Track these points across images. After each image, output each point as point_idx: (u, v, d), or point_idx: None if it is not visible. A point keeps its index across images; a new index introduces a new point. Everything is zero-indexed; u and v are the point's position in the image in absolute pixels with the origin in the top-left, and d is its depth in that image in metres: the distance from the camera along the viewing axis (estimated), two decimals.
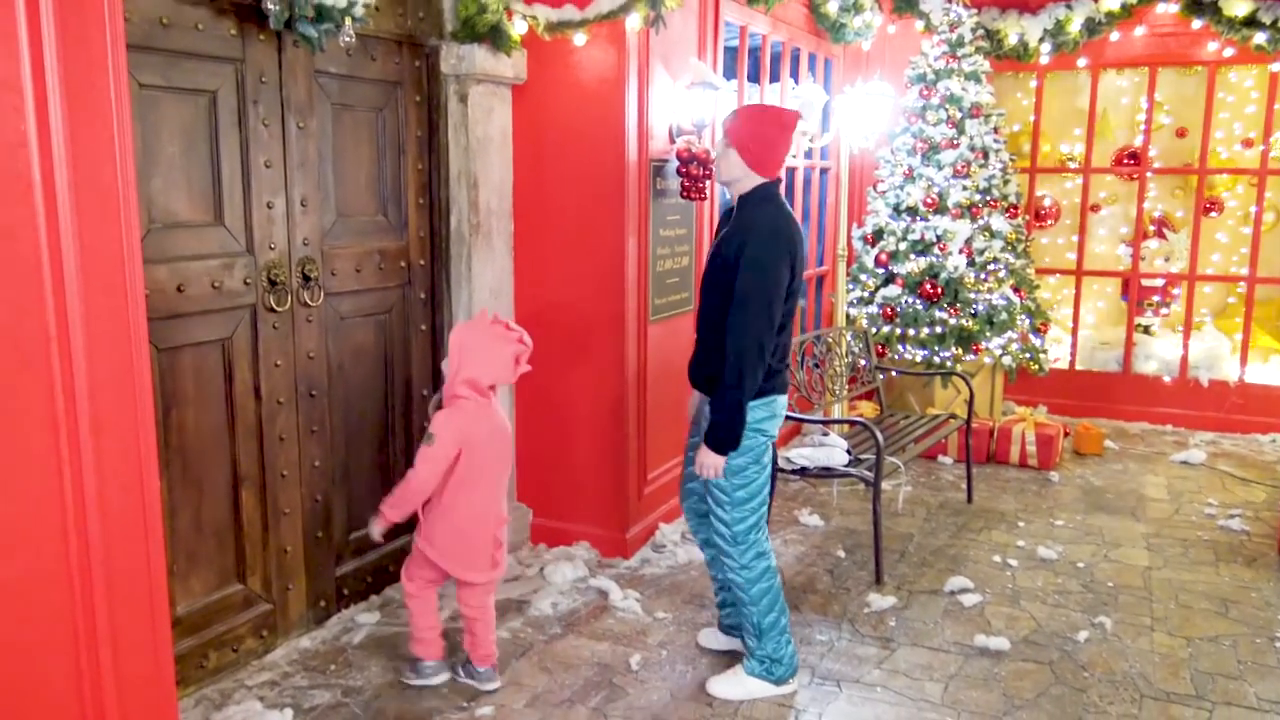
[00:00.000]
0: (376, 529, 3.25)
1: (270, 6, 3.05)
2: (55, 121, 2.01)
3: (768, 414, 3.22)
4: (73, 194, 2.04)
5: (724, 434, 3.10)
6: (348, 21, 3.26)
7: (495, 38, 3.99)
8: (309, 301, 3.57)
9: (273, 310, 3.43)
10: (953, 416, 5.42)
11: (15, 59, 1.93)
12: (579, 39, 4.13)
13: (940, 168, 6.25)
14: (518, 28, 4.04)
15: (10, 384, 1.98)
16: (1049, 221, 7.58)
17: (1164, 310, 7.41)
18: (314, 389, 3.64)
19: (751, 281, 3.03)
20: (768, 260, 3.04)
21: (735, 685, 3.36)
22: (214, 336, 3.26)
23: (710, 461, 3.15)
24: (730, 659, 3.55)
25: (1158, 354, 7.23)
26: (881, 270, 6.35)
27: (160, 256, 3.04)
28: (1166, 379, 7.04)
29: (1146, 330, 7.45)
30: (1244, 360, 6.87)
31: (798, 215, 6.26)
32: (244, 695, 3.28)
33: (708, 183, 4.57)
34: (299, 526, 3.65)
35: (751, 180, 3.18)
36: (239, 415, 3.37)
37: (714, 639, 3.70)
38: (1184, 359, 7.00)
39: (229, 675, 3.39)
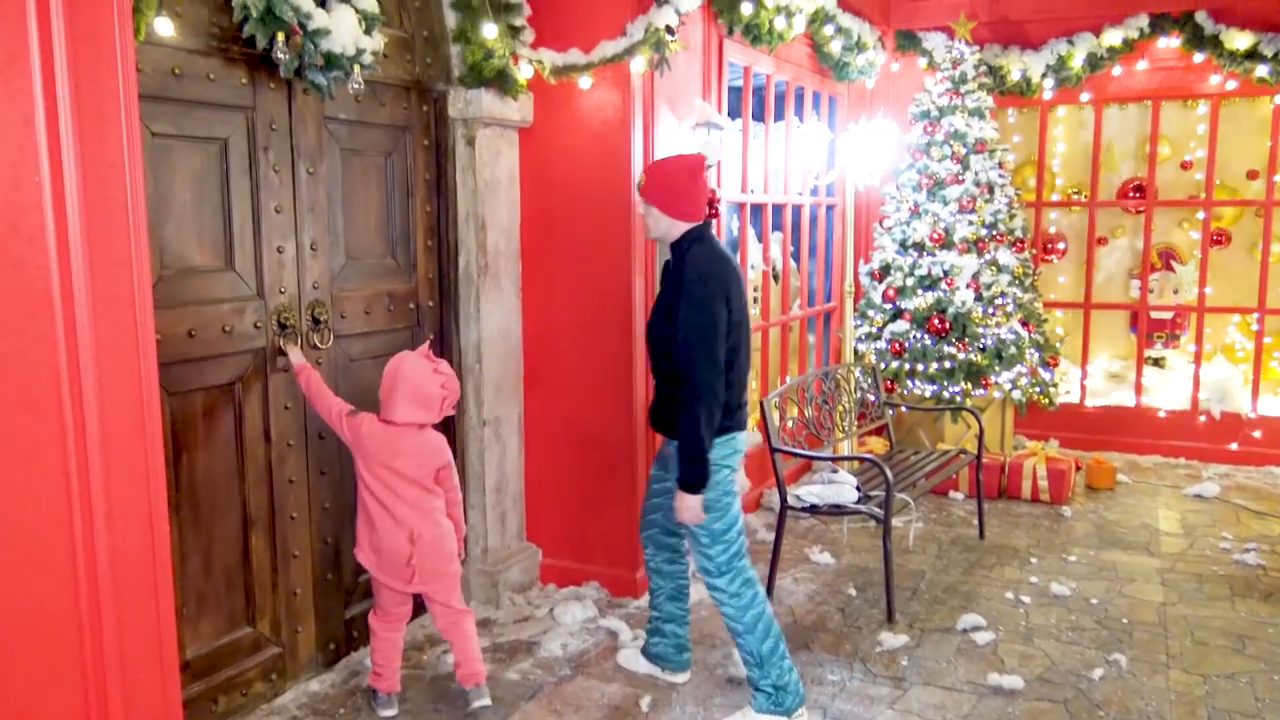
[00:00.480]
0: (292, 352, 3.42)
1: (280, 55, 3.11)
2: (69, 171, 2.04)
3: (729, 450, 3.32)
4: (85, 241, 2.08)
5: (694, 477, 3.19)
6: (356, 69, 3.32)
7: (502, 82, 4.04)
8: (319, 344, 3.59)
9: (283, 353, 3.45)
10: (963, 452, 5.40)
11: (30, 109, 1.97)
12: (584, 82, 4.18)
13: (946, 203, 6.28)
14: (524, 72, 4.09)
15: (22, 428, 2.00)
16: (1060, 249, 7.58)
17: (1174, 342, 7.40)
18: (323, 431, 3.65)
19: (690, 326, 3.13)
20: (701, 302, 3.14)
21: None
22: (224, 380, 3.29)
23: (689, 505, 3.23)
24: (653, 685, 3.61)
25: (1169, 386, 7.21)
26: (889, 306, 6.36)
27: (172, 301, 3.07)
28: (1167, 411, 7.02)
29: (1157, 363, 7.43)
30: (1255, 392, 6.84)
31: (804, 251, 6.31)
32: None
33: (713, 221, 4.60)
34: (308, 569, 3.65)
35: (679, 228, 3.30)
36: (249, 458, 3.39)
37: (635, 661, 3.77)
38: (1195, 391, 6.97)
39: (238, 719, 3.38)
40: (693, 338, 3.11)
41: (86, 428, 2.11)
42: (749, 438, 3.41)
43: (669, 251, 3.37)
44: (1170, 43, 6.54)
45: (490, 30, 3.90)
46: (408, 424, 3.27)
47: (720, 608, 3.37)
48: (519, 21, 4.06)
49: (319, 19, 3.15)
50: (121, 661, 2.22)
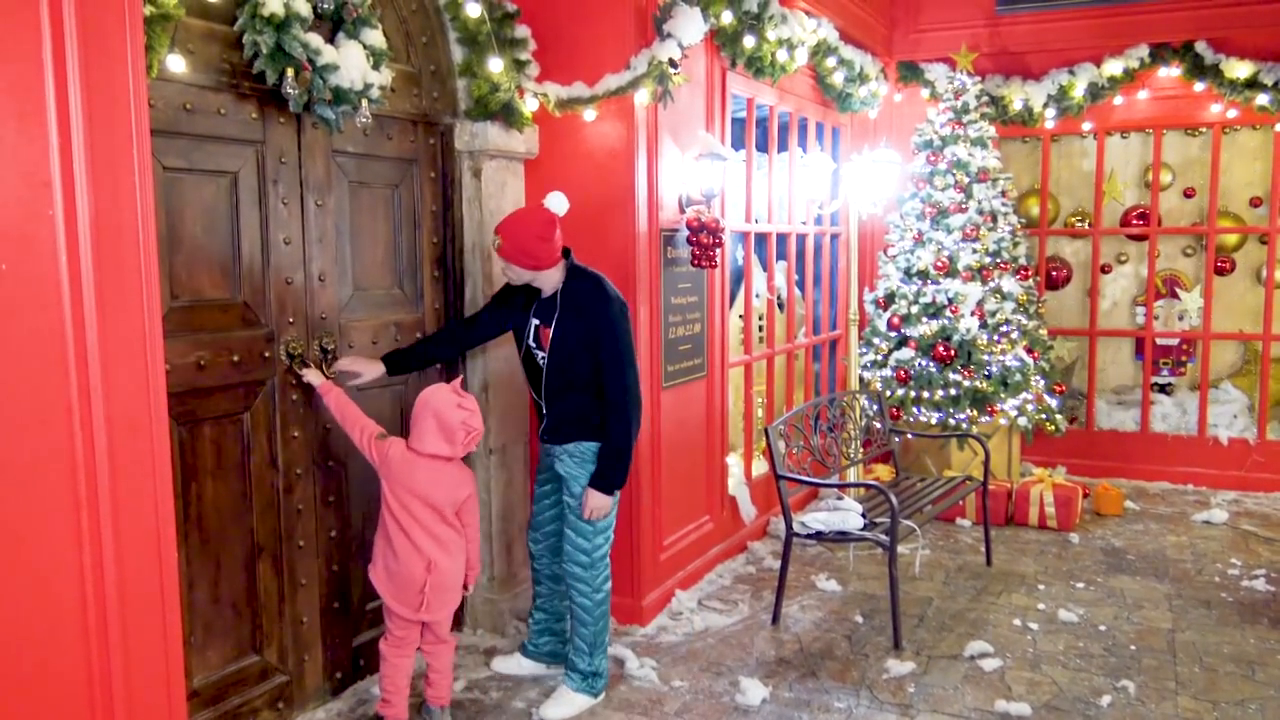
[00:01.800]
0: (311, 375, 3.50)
1: (290, 91, 3.17)
2: (81, 203, 2.09)
3: None
4: (96, 273, 2.12)
5: (614, 476, 3.57)
6: (364, 103, 3.38)
7: (508, 115, 4.11)
8: (327, 374, 3.63)
9: (291, 383, 3.49)
10: (969, 478, 5.40)
11: (44, 144, 2.02)
12: (589, 115, 4.24)
13: (950, 231, 6.32)
14: (529, 105, 4.16)
15: (32, 456, 2.03)
16: (1060, 284, 7.61)
17: (1180, 369, 7.41)
18: (331, 459, 3.69)
19: (620, 350, 3.53)
20: (623, 326, 3.57)
21: (565, 705, 3.66)
22: (233, 409, 3.33)
23: (600, 504, 3.58)
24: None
25: (1175, 413, 7.21)
26: (894, 333, 6.38)
27: (182, 332, 3.12)
28: (1174, 437, 7.02)
29: (1163, 389, 7.43)
30: (1263, 419, 6.84)
31: (809, 280, 6.35)
32: None
33: (718, 251, 4.65)
34: (316, 597, 3.67)
35: (550, 274, 3.58)
36: (257, 487, 3.42)
37: (516, 664, 4.01)
38: (1202, 417, 6.96)
39: None
40: (624, 360, 3.53)
41: (96, 457, 2.14)
42: None
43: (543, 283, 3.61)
44: (1171, 72, 6.59)
45: (496, 64, 3.97)
46: (434, 455, 3.34)
47: (577, 597, 3.69)
48: (524, 56, 4.13)
49: (327, 55, 3.21)
50: (128, 689, 2.24)
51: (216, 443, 3.28)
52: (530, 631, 4.02)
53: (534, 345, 3.65)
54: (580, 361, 3.55)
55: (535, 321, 3.64)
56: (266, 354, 3.41)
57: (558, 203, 3.52)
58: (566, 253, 3.62)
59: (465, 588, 3.56)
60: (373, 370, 3.65)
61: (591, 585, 3.67)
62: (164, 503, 2.32)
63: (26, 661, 2.06)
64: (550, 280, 3.59)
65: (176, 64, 2.97)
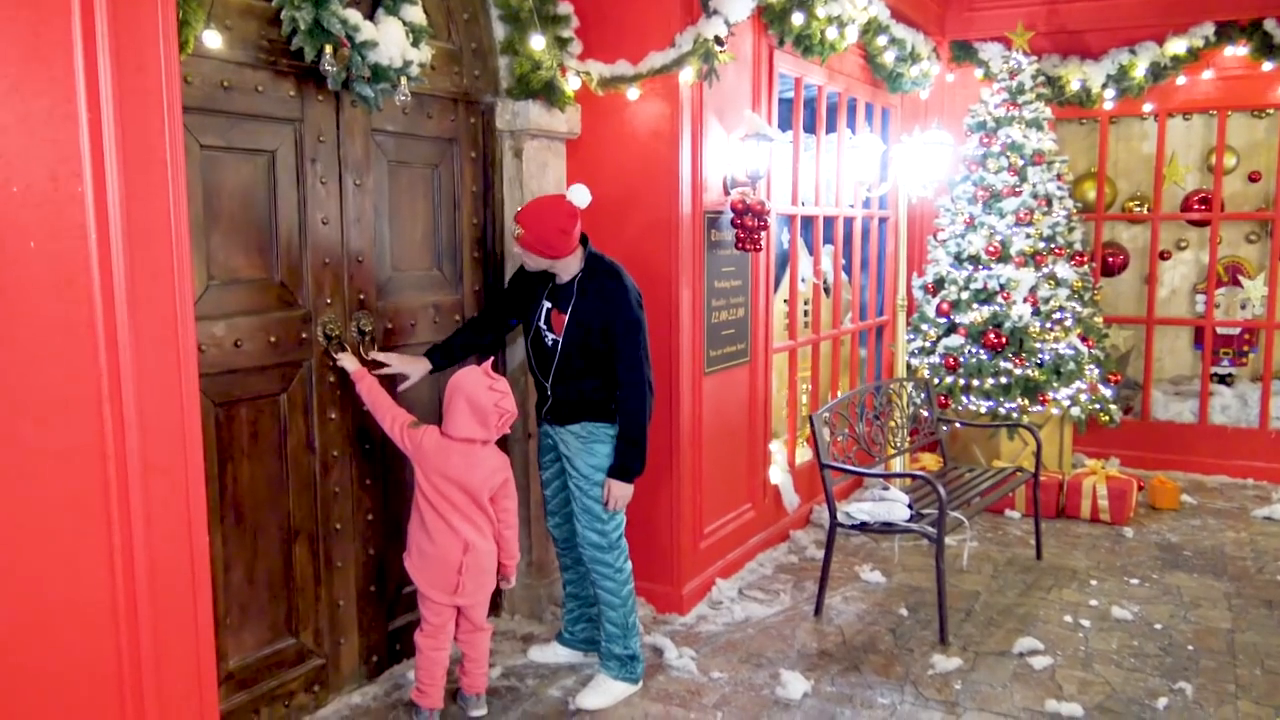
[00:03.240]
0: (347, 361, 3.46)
1: (328, 68, 3.12)
2: (111, 181, 2.05)
3: None
4: (127, 252, 2.08)
5: (632, 464, 3.55)
6: (403, 81, 3.32)
7: (549, 94, 4.03)
8: (364, 355, 3.59)
9: (328, 365, 3.46)
10: (1019, 469, 5.26)
11: (74, 119, 1.98)
12: (632, 93, 4.16)
13: (1002, 215, 6.15)
14: (571, 83, 4.08)
15: (61, 438, 2.00)
16: (1116, 270, 7.40)
17: (1241, 359, 7.17)
18: (368, 442, 3.65)
19: (638, 340, 3.54)
20: (639, 316, 3.56)
21: (604, 694, 3.62)
22: (270, 391, 3.30)
23: (623, 494, 3.58)
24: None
25: (1235, 404, 6.98)
26: (943, 320, 6.23)
27: (218, 312, 3.09)
28: (1234, 429, 6.79)
29: (1224, 380, 7.20)
30: None
31: (855, 264, 6.22)
32: None
33: (763, 234, 4.54)
34: (352, 580, 3.65)
35: (568, 262, 3.54)
36: (293, 469, 3.39)
37: (553, 653, 3.96)
38: (1264, 409, 6.73)
39: None
40: (642, 355, 3.54)
41: (126, 438, 2.11)
42: None
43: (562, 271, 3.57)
44: (1237, 51, 6.34)
45: (538, 42, 3.90)
46: (467, 439, 3.31)
47: (601, 582, 3.65)
48: (567, 33, 4.05)
49: (366, 31, 3.16)
50: (158, 671, 2.21)
51: (253, 424, 3.25)
52: (564, 620, 3.99)
53: (545, 328, 3.61)
54: (593, 349, 3.53)
55: (548, 305, 3.61)
56: (304, 335, 3.38)
57: (580, 196, 3.44)
58: (584, 240, 3.58)
59: (505, 579, 3.54)
60: (418, 369, 3.63)
61: (613, 567, 3.63)
62: (195, 484, 2.29)
63: (57, 642, 2.04)
64: (567, 267, 3.55)
65: (213, 40, 2.93)
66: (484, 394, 3.29)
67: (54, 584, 2.02)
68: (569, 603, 3.95)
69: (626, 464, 3.54)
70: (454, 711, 3.53)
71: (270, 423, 3.31)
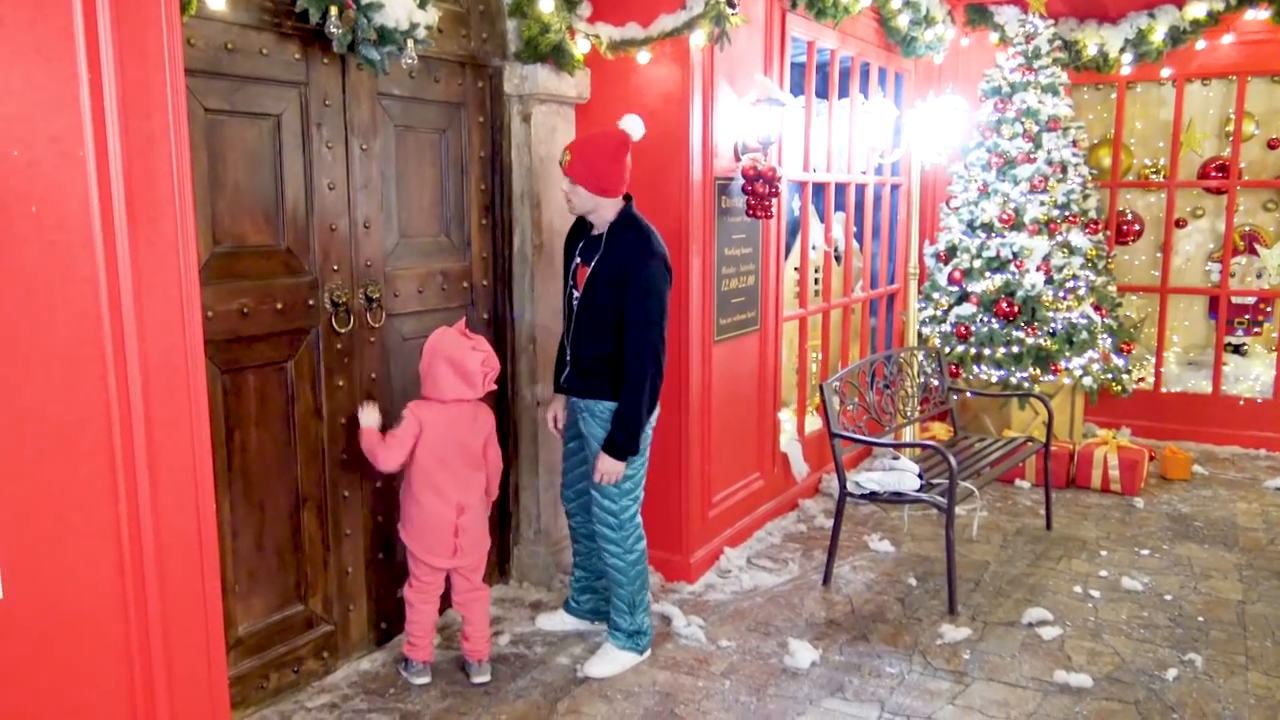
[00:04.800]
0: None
1: (334, 30, 3.07)
2: (113, 144, 2.02)
3: (657, 410, 3.61)
4: (129, 216, 2.05)
5: (626, 442, 3.43)
6: (410, 44, 3.27)
7: (558, 57, 3.97)
8: (372, 323, 3.57)
9: (335, 331, 3.44)
10: (1030, 439, 5.23)
11: (74, 81, 1.95)
12: (642, 57, 4.09)
13: (1016, 183, 6.07)
14: (580, 47, 4.02)
15: (65, 406, 1.98)
16: (1130, 239, 7.31)
17: (1255, 329, 7.10)
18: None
19: (648, 307, 3.36)
20: (657, 284, 3.39)
21: (610, 662, 3.60)
22: (277, 358, 3.28)
23: (613, 469, 3.46)
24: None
25: (1250, 374, 6.92)
26: (955, 288, 6.17)
27: (224, 279, 3.06)
28: (1247, 400, 6.74)
29: (1238, 350, 7.13)
30: None
31: (867, 232, 6.15)
32: (303, 718, 3.27)
33: (774, 201, 4.49)
34: (361, 548, 3.65)
35: (607, 206, 3.44)
36: (301, 436, 3.38)
37: (559, 620, 3.93)
38: (1279, 379, 6.67)
39: (289, 697, 3.38)
40: (652, 319, 3.37)
41: (131, 404, 2.09)
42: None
43: (599, 224, 3.50)
44: (1259, 15, 6.21)
45: (547, 4, 3.83)
46: (458, 400, 3.35)
47: (609, 559, 3.60)
48: None
49: None
50: (166, 636, 2.21)
51: (260, 391, 3.24)
52: (571, 589, 3.98)
53: (572, 283, 3.55)
54: (608, 310, 3.42)
55: (577, 260, 3.54)
56: (311, 302, 3.35)
57: (633, 125, 3.41)
58: (628, 198, 3.50)
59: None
60: (560, 402, 3.74)
61: (622, 546, 3.59)
62: (202, 451, 2.27)
63: (65, 608, 2.03)
64: (604, 216, 3.46)
65: (216, 1, 2.88)
66: (468, 355, 3.31)
67: (60, 550, 2.01)
68: (576, 571, 3.94)
69: (616, 439, 3.43)
70: (459, 678, 3.54)
71: (277, 390, 3.30)
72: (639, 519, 3.64)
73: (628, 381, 3.40)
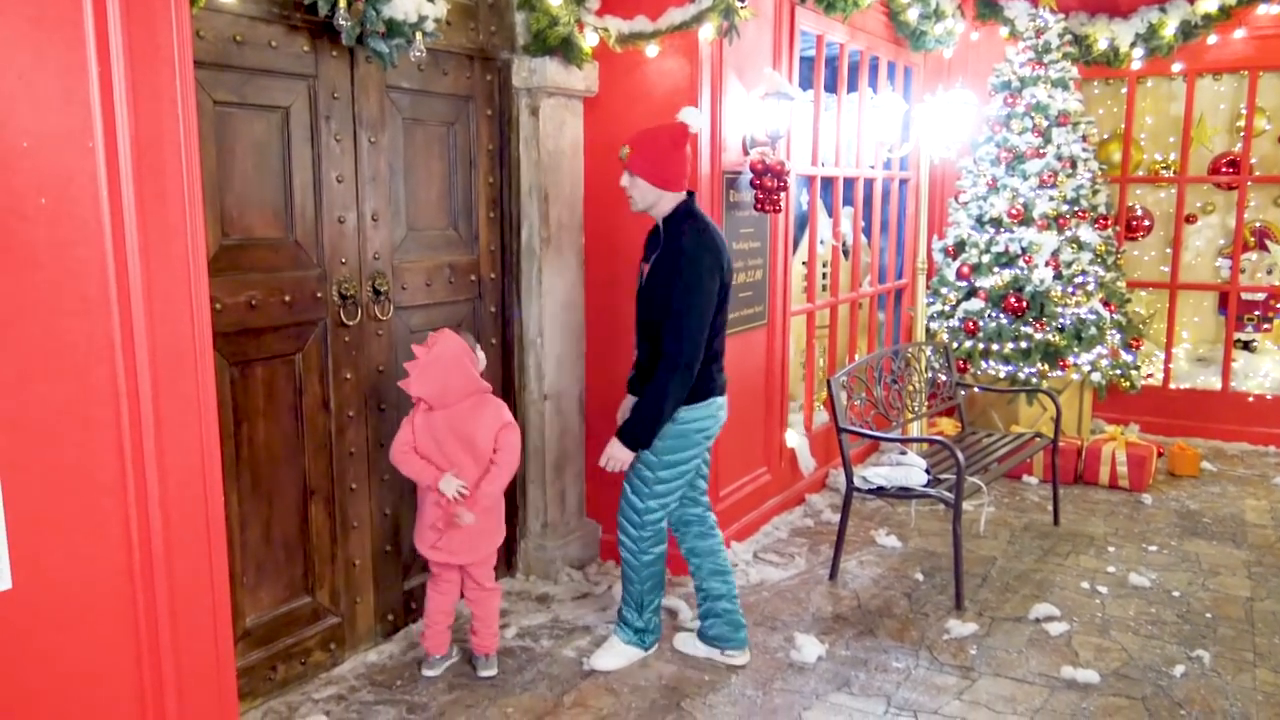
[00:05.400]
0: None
1: (342, 23, 3.07)
2: (122, 136, 2.02)
3: (706, 414, 3.42)
4: (139, 208, 2.05)
5: (640, 433, 3.30)
6: (419, 36, 3.27)
7: (567, 50, 3.97)
8: (379, 315, 3.57)
9: (343, 324, 3.44)
10: (1038, 435, 5.22)
11: (84, 72, 1.95)
12: (651, 50, 4.08)
13: (1025, 178, 6.05)
14: (589, 40, 4.01)
15: (74, 397, 1.99)
16: (1140, 234, 7.28)
17: (1265, 325, 7.07)
18: (384, 403, 3.64)
19: (685, 298, 3.22)
20: (698, 275, 3.23)
21: (614, 655, 3.59)
22: (285, 350, 3.28)
23: (619, 456, 3.34)
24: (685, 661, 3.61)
25: (1259, 371, 6.89)
26: (963, 283, 6.16)
27: (232, 271, 3.07)
28: (1256, 396, 6.71)
29: (1247, 346, 7.10)
30: None
31: (875, 226, 6.14)
32: (310, 709, 3.28)
33: (782, 195, 4.48)
34: (368, 540, 3.65)
35: (666, 199, 3.34)
36: (309, 429, 3.39)
37: (692, 645, 3.72)
38: None
39: (296, 688, 3.39)
40: (687, 310, 3.22)
41: (140, 397, 2.09)
42: (725, 402, 3.53)
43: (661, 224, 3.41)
44: (1270, 9, 6.19)
45: None
46: (479, 391, 3.37)
47: (623, 553, 3.54)
48: None
49: None
50: (174, 627, 2.21)
51: (268, 384, 3.24)
52: (699, 613, 3.71)
53: (640, 281, 3.44)
54: (659, 306, 3.29)
55: (643, 258, 3.46)
56: (319, 294, 3.36)
57: (692, 116, 3.37)
58: (691, 194, 3.40)
59: (468, 499, 3.37)
60: (625, 405, 3.64)
61: (638, 545, 3.50)
62: (210, 443, 2.28)
63: (73, 602, 2.04)
64: (663, 210, 3.35)
65: None
66: (477, 351, 3.37)
67: (69, 542, 2.02)
68: (697, 595, 3.69)
69: (632, 429, 3.31)
70: (467, 670, 3.55)
71: (285, 382, 3.30)
72: (662, 525, 3.53)
73: (656, 375, 3.26)
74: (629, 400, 3.64)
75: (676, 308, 3.23)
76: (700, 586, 3.65)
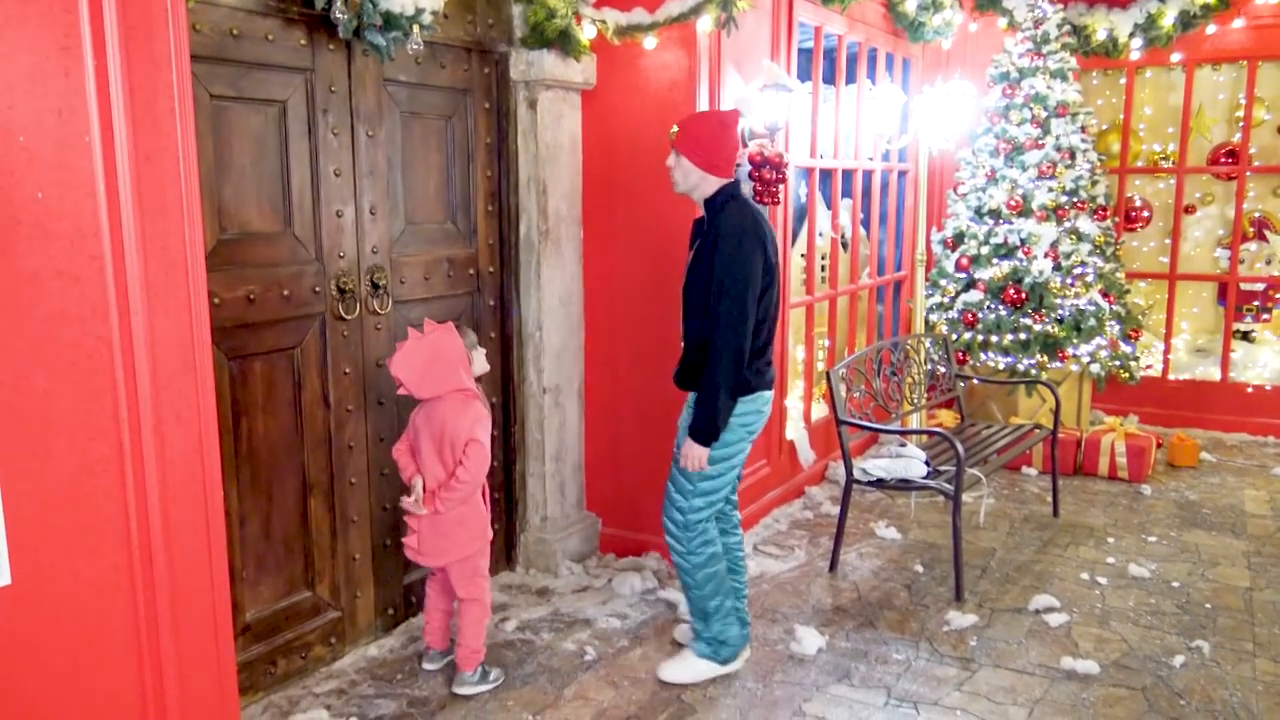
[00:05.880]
0: None
1: (339, 16, 3.06)
2: (119, 129, 2.01)
3: (752, 409, 3.32)
4: (136, 202, 2.05)
5: (706, 425, 3.19)
6: (416, 29, 3.26)
7: (564, 43, 3.95)
8: (378, 310, 3.57)
9: (341, 319, 3.44)
10: (1038, 426, 5.22)
11: (80, 66, 1.94)
12: (649, 42, 4.07)
13: (1024, 169, 6.04)
14: (587, 32, 4.00)
15: (72, 392, 1.98)
16: (1139, 225, 7.28)
17: (1265, 315, 7.07)
18: (382, 397, 3.64)
19: (728, 280, 3.13)
20: (740, 260, 3.15)
21: (685, 668, 3.44)
22: (283, 345, 3.28)
23: (695, 454, 3.24)
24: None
25: (1259, 361, 6.89)
26: (962, 275, 6.15)
27: (230, 265, 3.06)
28: (1255, 387, 6.71)
29: (1246, 336, 7.10)
30: None
31: (874, 218, 6.13)
32: (311, 703, 3.28)
33: (781, 187, 4.47)
34: (367, 534, 3.65)
35: (710, 183, 3.27)
36: (308, 423, 3.39)
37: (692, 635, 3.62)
38: None
39: (297, 682, 3.40)
40: (726, 296, 3.13)
41: (139, 392, 2.09)
42: (772, 397, 3.42)
43: (703, 209, 3.33)
44: None
45: None
46: (463, 389, 3.26)
47: (673, 556, 3.42)
48: None
49: None
50: (174, 622, 2.21)
51: (267, 378, 3.24)
52: None
53: (687, 270, 3.35)
54: (701, 294, 3.21)
55: (690, 247, 3.37)
56: (317, 289, 3.35)
57: (745, 106, 3.31)
58: (736, 181, 3.30)
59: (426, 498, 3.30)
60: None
61: (686, 547, 3.36)
62: (209, 438, 2.27)
63: (73, 598, 2.04)
64: (705, 193, 3.26)
65: None
66: (472, 351, 3.28)
67: (69, 537, 2.02)
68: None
69: (697, 423, 3.20)
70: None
71: (284, 377, 3.30)
72: (708, 524, 3.39)
73: (708, 364, 3.16)
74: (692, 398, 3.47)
75: (718, 289, 3.14)
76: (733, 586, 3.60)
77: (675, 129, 3.28)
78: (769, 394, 3.37)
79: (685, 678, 3.43)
